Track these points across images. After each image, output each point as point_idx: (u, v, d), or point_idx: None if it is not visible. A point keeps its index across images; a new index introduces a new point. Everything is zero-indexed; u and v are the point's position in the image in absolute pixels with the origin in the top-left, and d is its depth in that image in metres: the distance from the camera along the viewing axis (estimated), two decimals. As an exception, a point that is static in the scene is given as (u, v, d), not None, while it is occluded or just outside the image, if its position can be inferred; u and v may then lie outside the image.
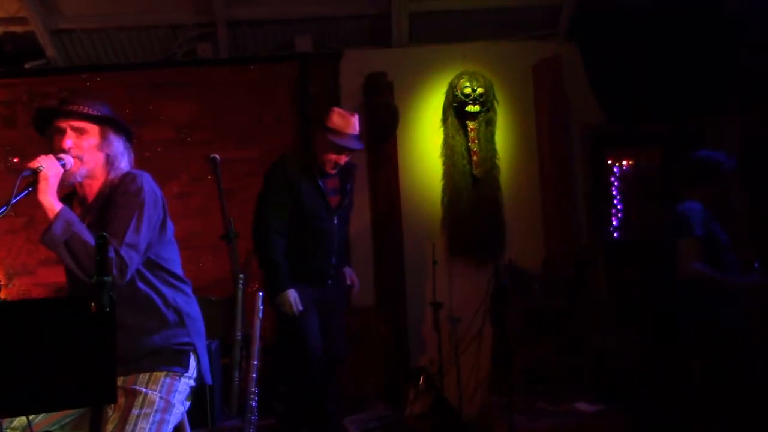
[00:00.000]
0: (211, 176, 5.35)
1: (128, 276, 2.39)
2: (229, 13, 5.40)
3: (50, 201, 2.30)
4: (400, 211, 5.52)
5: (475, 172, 5.45)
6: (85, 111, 2.52)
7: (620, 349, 4.77)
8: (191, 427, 3.02)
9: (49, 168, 2.33)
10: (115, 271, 2.33)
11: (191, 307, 2.67)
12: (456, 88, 5.47)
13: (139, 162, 5.47)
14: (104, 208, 2.52)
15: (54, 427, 2.30)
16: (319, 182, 4.07)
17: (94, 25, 5.38)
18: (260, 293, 2.95)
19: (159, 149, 5.49)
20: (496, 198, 5.48)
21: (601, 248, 5.56)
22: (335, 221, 4.13)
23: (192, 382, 2.56)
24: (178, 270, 2.71)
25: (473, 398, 5.27)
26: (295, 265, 4.02)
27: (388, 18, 5.52)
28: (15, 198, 2.27)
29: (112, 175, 2.59)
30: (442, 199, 5.51)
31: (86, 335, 1.80)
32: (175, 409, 2.45)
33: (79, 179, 2.53)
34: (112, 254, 2.31)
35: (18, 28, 5.36)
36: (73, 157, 2.47)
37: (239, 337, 3.62)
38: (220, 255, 5.36)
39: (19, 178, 2.31)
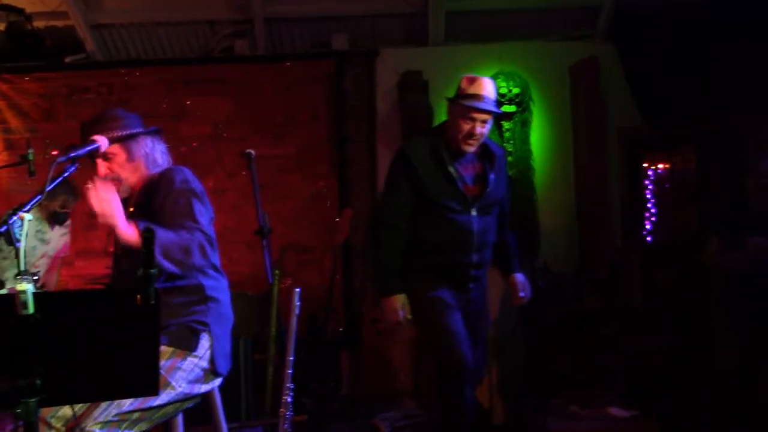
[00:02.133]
0: (246, 172, 5.43)
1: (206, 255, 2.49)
2: (267, 10, 5.42)
3: (128, 233, 2.32)
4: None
5: (509, 173, 5.40)
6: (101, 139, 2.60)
7: (654, 354, 4.72)
8: (226, 422, 3.04)
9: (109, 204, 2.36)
10: (197, 253, 2.43)
11: (219, 294, 2.67)
12: (492, 88, 5.43)
13: (176, 157, 5.55)
14: (147, 199, 2.59)
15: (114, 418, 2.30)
16: (451, 167, 3.29)
17: (133, 20, 5.44)
18: (297, 290, 2.95)
19: (195, 144, 5.54)
20: (530, 199, 5.44)
21: (636, 252, 5.49)
22: (474, 213, 3.30)
23: (204, 365, 2.52)
24: (216, 260, 2.74)
25: (505, 401, 5.23)
26: (427, 264, 3.36)
27: (424, 16, 5.51)
28: (50, 186, 2.28)
29: (151, 172, 2.68)
30: (476, 198, 5.48)
31: (131, 327, 1.80)
32: (172, 389, 2.42)
33: (127, 190, 2.65)
34: (195, 244, 2.41)
35: (59, 23, 5.43)
36: (112, 180, 2.59)
37: (275, 333, 3.64)
38: (254, 250, 5.38)
39: (54, 165, 2.31)
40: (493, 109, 3.27)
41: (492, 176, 3.38)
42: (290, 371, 2.90)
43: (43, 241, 4.46)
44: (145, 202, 2.61)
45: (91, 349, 1.80)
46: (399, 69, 5.54)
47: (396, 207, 3.36)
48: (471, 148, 3.30)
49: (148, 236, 1.77)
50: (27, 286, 1.69)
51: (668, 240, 5.62)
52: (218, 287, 2.68)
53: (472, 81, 3.29)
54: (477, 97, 3.24)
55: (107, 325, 1.80)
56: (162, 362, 2.39)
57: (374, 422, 4.29)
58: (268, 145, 5.42)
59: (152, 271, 1.74)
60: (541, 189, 5.49)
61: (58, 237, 4.51)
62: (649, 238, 5.64)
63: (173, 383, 2.42)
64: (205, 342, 2.53)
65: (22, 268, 1.81)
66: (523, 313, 5.15)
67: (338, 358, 5.03)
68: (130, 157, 2.64)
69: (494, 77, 5.43)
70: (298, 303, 2.91)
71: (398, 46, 5.67)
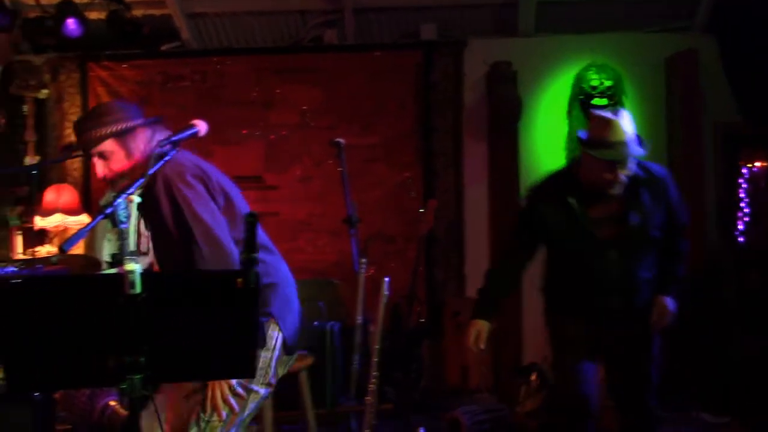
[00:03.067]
0: (333, 161, 5.48)
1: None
2: (356, 0, 5.44)
3: None
4: (518, 203, 5.42)
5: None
6: (94, 136, 2.49)
7: (748, 359, 4.54)
8: (312, 407, 3.08)
9: None
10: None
11: (274, 277, 2.56)
12: (583, 80, 5.34)
13: (265, 144, 5.66)
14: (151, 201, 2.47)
15: None
16: (580, 210, 3.01)
17: (226, 9, 5.55)
18: (386, 279, 2.96)
19: (283, 133, 5.62)
20: (620, 195, 5.30)
21: (730, 253, 5.29)
22: (613, 256, 3.00)
23: (276, 354, 2.48)
24: (263, 240, 2.60)
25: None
26: (560, 302, 3.22)
27: (514, 7, 5.43)
28: (152, 169, 2.31)
29: (152, 167, 2.45)
30: (563, 193, 5.38)
31: (231, 309, 1.84)
32: (255, 394, 2.41)
33: (135, 187, 2.38)
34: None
35: (156, 11, 5.57)
36: (113, 180, 2.52)
37: (360, 321, 3.66)
38: (339, 239, 5.44)
39: (156, 150, 2.35)
40: (632, 155, 2.92)
41: (646, 204, 3.02)
42: (377, 360, 2.92)
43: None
44: (146, 215, 2.53)
45: (192, 329, 1.84)
46: (487, 60, 5.47)
47: (509, 242, 3.35)
48: (614, 191, 2.97)
49: (250, 221, 1.80)
50: (135, 267, 1.74)
51: (762, 241, 5.40)
52: (270, 271, 2.55)
53: (605, 125, 2.92)
54: (611, 145, 2.88)
55: (209, 306, 1.84)
56: None
57: (455, 415, 4.28)
58: (354, 134, 5.45)
59: (253, 255, 1.77)
60: (631, 185, 5.34)
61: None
62: (741, 239, 5.42)
63: (254, 389, 2.42)
64: (272, 333, 2.47)
65: (132, 248, 1.86)
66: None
67: (420, 348, 5.03)
68: (129, 154, 2.51)
69: (586, 69, 5.33)
70: (387, 292, 2.92)
71: (487, 37, 5.60)
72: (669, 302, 3.11)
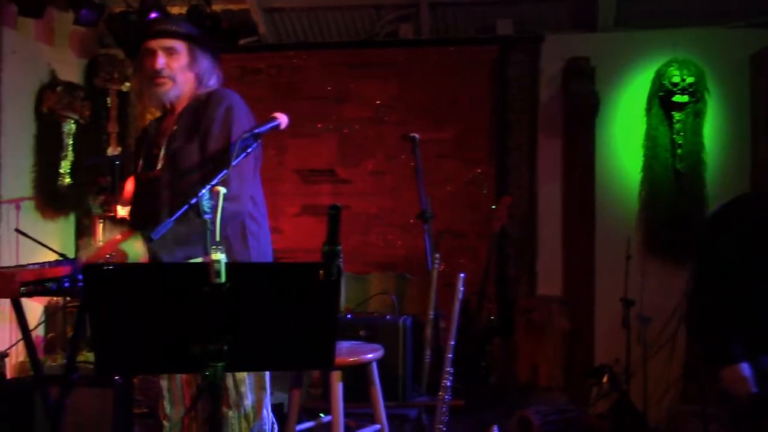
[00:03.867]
0: (405, 156, 5.50)
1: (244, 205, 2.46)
2: (433, -5, 5.43)
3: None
4: (594, 202, 5.35)
5: (678, 167, 5.17)
6: (175, 29, 2.53)
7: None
8: (384, 399, 3.10)
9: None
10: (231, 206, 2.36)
11: (264, 240, 2.64)
12: (663, 77, 5.19)
13: (338, 139, 5.71)
14: (194, 122, 2.54)
15: None
16: None
17: (303, 4, 5.60)
18: (461, 275, 2.95)
19: (357, 127, 5.65)
20: (700, 195, 5.15)
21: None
22: None
23: None
24: (260, 199, 2.68)
25: (660, 404, 5.02)
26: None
27: (593, 1, 5.32)
28: (235, 160, 2.34)
29: (199, 90, 2.61)
30: (640, 192, 5.28)
31: (312, 301, 1.86)
32: None
33: (172, 98, 2.56)
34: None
35: (234, 6, 5.67)
36: (165, 78, 2.51)
37: (432, 316, 3.67)
38: (409, 233, 5.46)
39: (238, 141, 2.37)
40: None
41: None
42: (450, 355, 2.91)
43: None
44: (192, 125, 2.54)
45: (273, 319, 1.87)
46: (565, 55, 5.38)
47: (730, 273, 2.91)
48: None
49: (333, 213, 1.81)
50: (220, 256, 1.78)
51: None
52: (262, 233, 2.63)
53: None
54: None
55: (291, 297, 1.86)
56: None
57: (525, 414, 4.24)
58: (426, 129, 5.42)
59: (337, 247, 1.78)
60: (712, 185, 5.18)
61: None
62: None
63: None
64: None
65: (217, 238, 1.90)
66: (686, 315, 4.93)
67: (490, 345, 5.00)
68: (191, 64, 2.55)
69: (667, 65, 5.19)
70: (461, 288, 2.91)
71: (565, 32, 5.51)
72: None
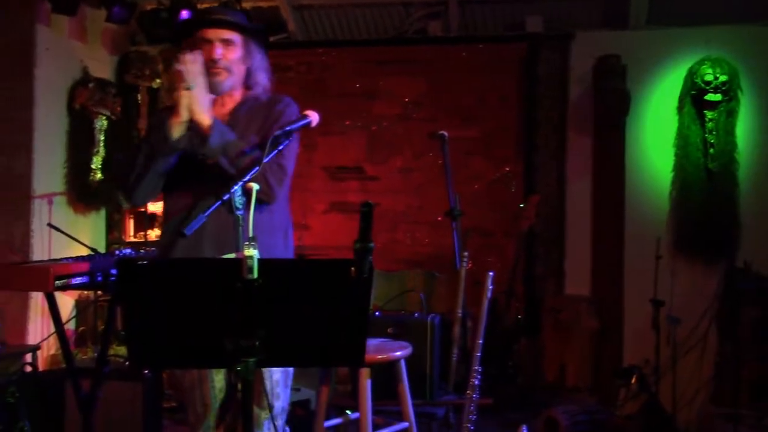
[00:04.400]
0: (432, 153, 5.49)
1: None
2: (462, -9, 5.41)
3: (203, 115, 2.34)
4: (624, 201, 5.30)
5: (710, 166, 5.10)
6: (234, 21, 2.51)
7: None
8: (411, 397, 3.09)
9: (198, 85, 2.35)
10: (275, 185, 2.43)
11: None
12: (696, 75, 5.12)
13: (367, 135, 5.72)
14: (251, 119, 2.55)
15: None
16: None
17: (332, 1, 5.61)
18: (490, 273, 2.93)
19: (385, 124, 5.66)
20: (732, 195, 5.08)
21: None
22: None
23: None
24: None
25: (690, 406, 4.96)
26: None
27: (625, -1, 5.27)
28: (267, 157, 2.33)
29: (255, 90, 2.60)
30: (671, 191, 5.22)
31: (344, 298, 1.86)
32: None
33: (225, 89, 2.53)
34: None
35: (264, 3, 5.70)
36: (221, 68, 2.48)
37: (461, 314, 3.65)
38: (436, 231, 5.45)
39: (271, 138, 2.37)
40: None
41: None
42: (479, 354, 2.90)
43: None
44: (256, 124, 2.54)
45: (306, 315, 1.88)
46: (595, 53, 5.33)
47: None
48: None
49: (366, 210, 1.81)
50: (253, 252, 1.78)
51: None
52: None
53: None
54: None
55: (322, 294, 1.86)
56: None
57: (552, 413, 4.21)
58: (454, 126, 5.41)
59: (370, 244, 1.78)
60: (744, 184, 5.11)
61: None
62: None
63: None
64: None
65: (250, 234, 1.91)
66: (717, 315, 4.87)
67: (517, 345, 4.98)
68: (245, 57, 2.53)
69: (699, 63, 5.13)
70: (491, 286, 2.89)
71: (595, 29, 5.46)
72: None
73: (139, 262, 1.81)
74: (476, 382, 2.89)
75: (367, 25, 5.78)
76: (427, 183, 5.50)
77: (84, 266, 2.78)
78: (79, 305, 5.20)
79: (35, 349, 4.53)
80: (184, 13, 5.12)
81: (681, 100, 5.20)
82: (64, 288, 2.73)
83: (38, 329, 4.91)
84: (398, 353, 3.04)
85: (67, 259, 3.06)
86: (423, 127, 5.50)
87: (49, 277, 2.64)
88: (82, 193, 5.44)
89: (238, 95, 2.59)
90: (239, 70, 2.53)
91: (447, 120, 5.48)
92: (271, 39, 5.82)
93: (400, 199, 5.58)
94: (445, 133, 4.13)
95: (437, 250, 5.34)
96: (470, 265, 4.17)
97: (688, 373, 4.99)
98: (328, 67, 5.75)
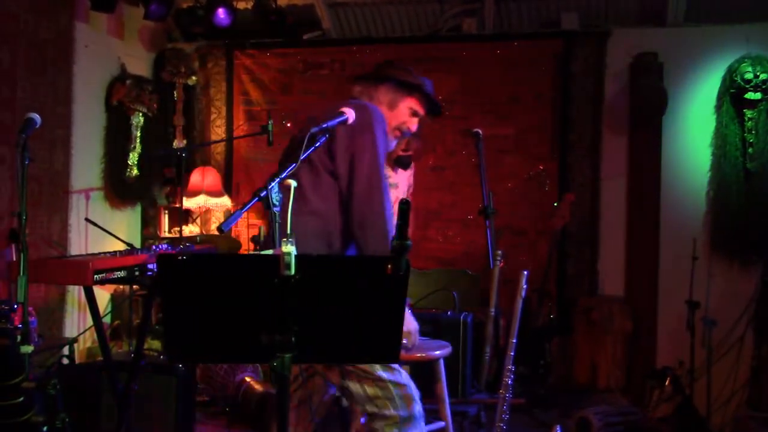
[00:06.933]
0: (465, 151, 5.47)
1: None
2: (497, -11, 5.38)
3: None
4: (659, 201, 5.23)
5: (748, 166, 5.02)
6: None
7: None
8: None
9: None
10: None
11: None
12: (735, 73, 5.04)
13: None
14: None
15: None
16: None
17: (367, -1, 5.62)
18: (525, 272, 2.92)
19: (418, 121, 5.63)
20: (771, 195, 5.00)
21: None
22: None
23: None
24: None
25: (724, 409, 4.89)
26: None
27: (663, -5, 5.20)
28: (304, 155, 2.34)
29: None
30: (708, 191, 5.15)
31: (380, 295, 1.86)
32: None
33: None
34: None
35: (299, 1, 5.72)
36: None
37: (493, 313, 3.64)
38: (468, 229, 5.44)
39: (308, 135, 2.38)
40: None
41: None
42: (512, 353, 2.88)
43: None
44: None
45: (342, 312, 1.88)
46: (632, 51, 5.28)
47: None
48: None
49: (403, 208, 1.81)
50: (291, 248, 1.79)
51: None
52: None
53: None
54: None
55: (358, 290, 1.87)
56: None
57: (585, 414, 4.17)
58: (488, 124, 5.39)
59: (407, 242, 1.78)
60: (785, 184, 5.02)
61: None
62: None
63: None
64: None
65: (288, 231, 1.92)
66: (754, 318, 4.80)
67: (549, 344, 4.94)
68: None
69: (739, 61, 5.04)
70: (525, 285, 2.88)
71: (632, 27, 5.40)
72: None
73: (179, 257, 1.83)
74: (509, 382, 2.88)
75: (401, 23, 5.78)
76: (460, 181, 5.48)
77: (123, 261, 2.82)
78: (115, 300, 5.28)
79: (73, 341, 4.60)
80: (220, 12, 5.16)
81: (719, 98, 5.12)
82: (103, 282, 2.77)
83: (74, 322, 4.99)
84: (437, 353, 3.02)
85: (106, 253, 3.10)
86: (456, 124, 5.49)
87: (89, 271, 2.68)
88: (118, 189, 5.51)
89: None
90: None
91: (481, 117, 5.46)
92: (306, 36, 5.86)
93: (432, 197, 5.57)
94: (480, 131, 4.12)
95: (469, 248, 5.32)
96: (502, 264, 4.15)
97: (723, 375, 4.92)
98: (362, 65, 5.73)
